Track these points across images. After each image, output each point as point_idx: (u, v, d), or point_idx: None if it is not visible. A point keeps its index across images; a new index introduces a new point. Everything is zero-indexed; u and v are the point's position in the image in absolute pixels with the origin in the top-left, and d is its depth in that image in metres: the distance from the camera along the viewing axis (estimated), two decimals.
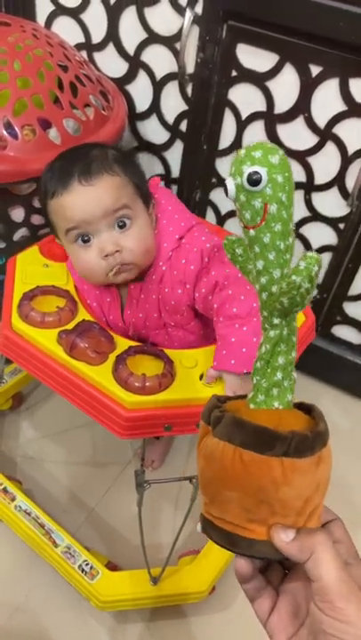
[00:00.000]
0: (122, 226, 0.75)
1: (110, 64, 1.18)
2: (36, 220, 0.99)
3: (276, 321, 0.38)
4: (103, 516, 1.06)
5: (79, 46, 1.20)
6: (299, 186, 1.11)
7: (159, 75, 1.14)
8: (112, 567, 0.93)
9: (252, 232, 0.37)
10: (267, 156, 0.35)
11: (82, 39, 1.19)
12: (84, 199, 0.73)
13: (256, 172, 0.35)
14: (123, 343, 0.75)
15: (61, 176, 0.74)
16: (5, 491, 0.97)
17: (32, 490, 1.07)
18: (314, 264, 0.34)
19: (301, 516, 0.37)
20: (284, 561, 0.39)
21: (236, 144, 1.12)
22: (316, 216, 1.13)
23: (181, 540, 0.84)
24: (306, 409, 0.40)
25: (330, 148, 1.03)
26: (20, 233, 0.99)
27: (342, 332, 1.27)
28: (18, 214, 0.96)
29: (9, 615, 0.92)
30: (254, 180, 0.35)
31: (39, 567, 0.96)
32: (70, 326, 0.75)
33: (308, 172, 1.08)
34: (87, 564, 0.89)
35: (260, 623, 0.40)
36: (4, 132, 0.87)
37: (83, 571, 0.89)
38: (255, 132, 1.09)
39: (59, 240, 0.81)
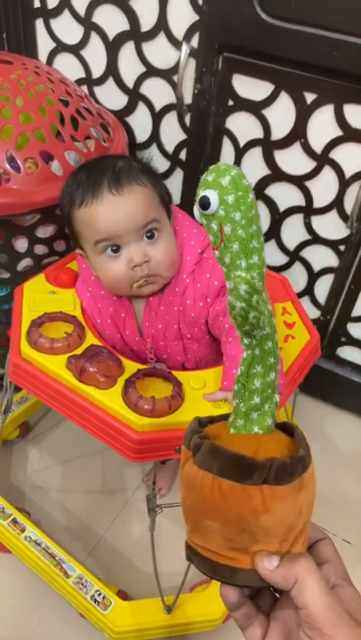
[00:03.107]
0: (150, 237, 0.77)
1: (110, 97, 1.22)
2: (40, 249, 1.00)
3: (246, 341, 0.38)
4: (111, 545, 1.05)
5: (80, 81, 1.23)
6: (298, 210, 1.12)
7: (158, 106, 1.16)
8: (122, 596, 0.92)
9: (217, 253, 0.37)
10: (217, 179, 0.35)
11: (82, 74, 1.22)
12: (115, 210, 0.74)
13: (205, 197, 0.35)
14: (131, 367, 0.76)
15: (90, 185, 0.75)
16: (15, 522, 0.96)
17: (40, 520, 1.06)
18: (240, 283, 0.34)
19: (286, 541, 0.36)
20: (270, 588, 0.38)
21: None
22: (316, 239, 1.14)
23: (193, 569, 0.83)
24: (289, 430, 0.40)
25: (327, 172, 1.05)
26: (24, 263, 1.00)
27: (347, 353, 1.27)
28: (21, 245, 0.97)
29: None
30: (204, 204, 0.35)
31: (47, 600, 0.95)
32: (79, 351, 0.76)
33: (307, 196, 1.10)
34: (100, 594, 0.88)
35: None
36: (7, 166, 0.89)
37: (95, 601, 0.87)
38: (253, 159, 1.11)
39: (81, 251, 0.82)
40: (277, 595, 0.40)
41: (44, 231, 0.99)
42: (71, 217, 0.78)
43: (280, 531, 0.36)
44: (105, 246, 0.76)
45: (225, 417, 0.41)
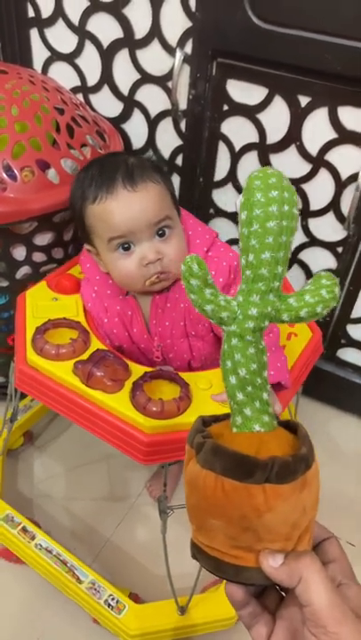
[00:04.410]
0: (162, 234, 0.77)
1: (106, 105, 1.22)
2: (38, 257, 1.01)
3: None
4: (117, 549, 1.04)
5: (75, 89, 1.24)
6: None
7: (153, 112, 1.17)
8: (135, 598, 0.92)
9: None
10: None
11: (78, 82, 1.23)
12: (130, 207, 0.74)
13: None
14: (137, 370, 0.76)
15: (103, 180, 0.75)
16: (25, 530, 0.96)
17: (47, 527, 1.06)
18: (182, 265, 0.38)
19: (290, 540, 0.36)
20: (275, 586, 0.38)
21: (231, 175, 1.14)
22: (313, 241, 1.14)
23: (205, 571, 0.83)
24: (293, 427, 0.40)
25: (323, 174, 1.05)
26: (23, 271, 1.01)
27: (348, 354, 1.27)
28: (19, 253, 0.98)
29: None
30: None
31: (54, 606, 0.94)
32: (85, 356, 0.76)
33: (304, 198, 1.10)
34: (113, 599, 0.88)
35: None
36: (4, 175, 0.89)
37: (109, 605, 0.87)
38: (249, 163, 1.11)
39: (91, 247, 0.82)
40: (284, 594, 0.40)
41: (42, 239, 0.99)
42: (83, 212, 0.78)
43: (284, 529, 0.36)
44: (118, 244, 0.76)
45: (229, 416, 0.41)
